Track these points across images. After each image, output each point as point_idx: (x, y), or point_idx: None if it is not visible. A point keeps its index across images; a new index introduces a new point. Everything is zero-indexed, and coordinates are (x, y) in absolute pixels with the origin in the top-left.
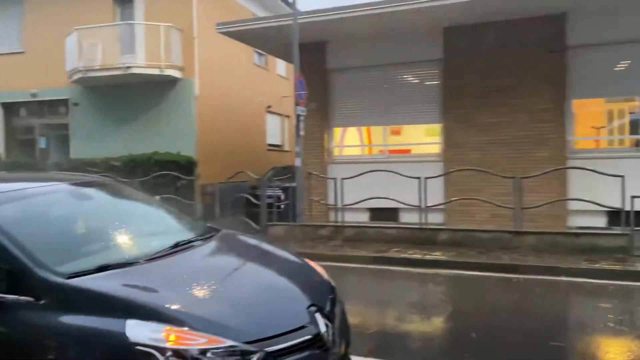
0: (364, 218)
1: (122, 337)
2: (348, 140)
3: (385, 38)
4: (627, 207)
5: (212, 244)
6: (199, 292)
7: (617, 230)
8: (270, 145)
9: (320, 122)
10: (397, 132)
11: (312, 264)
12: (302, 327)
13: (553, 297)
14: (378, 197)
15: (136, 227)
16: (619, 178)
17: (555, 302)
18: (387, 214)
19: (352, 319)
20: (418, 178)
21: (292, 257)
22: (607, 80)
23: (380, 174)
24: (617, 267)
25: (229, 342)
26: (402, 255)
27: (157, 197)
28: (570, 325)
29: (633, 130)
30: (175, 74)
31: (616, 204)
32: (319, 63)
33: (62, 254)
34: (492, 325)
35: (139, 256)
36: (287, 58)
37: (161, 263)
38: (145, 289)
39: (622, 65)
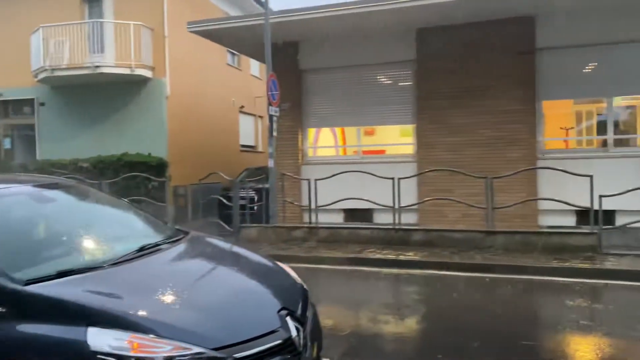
0: (338, 219)
1: (83, 346)
2: (322, 141)
3: (359, 39)
4: (596, 207)
5: (180, 247)
6: (166, 298)
7: (586, 229)
8: (243, 146)
9: (294, 123)
10: (371, 133)
11: (284, 266)
12: (273, 332)
13: (524, 296)
14: (352, 198)
15: (101, 230)
16: (588, 178)
17: (527, 301)
18: (362, 214)
19: (326, 321)
20: (392, 179)
21: (263, 260)
22: (576, 82)
23: (355, 174)
24: (586, 266)
25: (196, 349)
26: (376, 256)
27: (125, 200)
28: (542, 324)
29: (601, 131)
30: (146, 73)
31: (585, 203)
32: (292, 63)
33: (20, 259)
34: (464, 325)
35: (102, 261)
36: (260, 58)
37: (126, 267)
38: (108, 295)
39: (590, 68)
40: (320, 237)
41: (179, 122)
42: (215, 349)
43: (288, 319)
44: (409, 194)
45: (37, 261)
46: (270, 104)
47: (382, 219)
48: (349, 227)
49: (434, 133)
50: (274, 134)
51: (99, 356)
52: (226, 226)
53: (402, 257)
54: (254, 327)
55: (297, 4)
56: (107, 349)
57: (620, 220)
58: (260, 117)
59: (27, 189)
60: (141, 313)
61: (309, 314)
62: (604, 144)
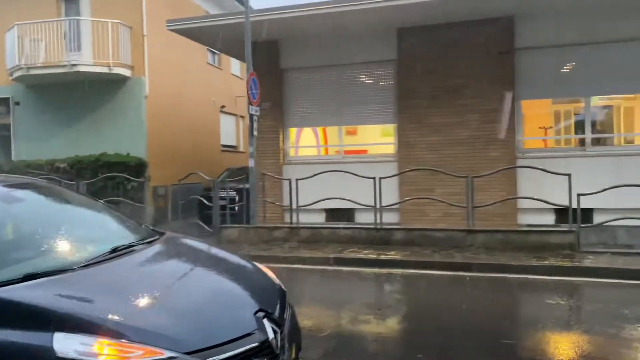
0: (320, 219)
1: (48, 352)
2: (304, 141)
3: (340, 38)
4: (574, 205)
5: (154, 248)
6: (137, 300)
7: (564, 227)
8: (224, 146)
9: (275, 122)
10: (353, 133)
11: (261, 267)
12: (249, 334)
13: (504, 295)
14: (333, 197)
15: (72, 231)
16: (566, 177)
17: (507, 299)
18: (343, 214)
19: (306, 322)
20: (373, 178)
21: (240, 261)
22: (554, 82)
23: (336, 174)
24: (565, 264)
25: (168, 354)
26: (358, 256)
27: (101, 201)
28: (521, 322)
29: (579, 131)
30: (124, 72)
31: (564, 202)
32: (273, 62)
33: None
34: (444, 324)
35: (72, 263)
36: (241, 57)
37: (97, 270)
38: (76, 298)
39: (568, 68)
40: (302, 237)
41: (158, 121)
42: (189, 353)
43: (265, 320)
44: (391, 194)
45: (2, 264)
46: (250, 103)
47: (364, 218)
48: (330, 227)
49: (415, 132)
50: (255, 133)
51: None
52: (206, 227)
53: (383, 257)
54: (229, 329)
55: (278, 3)
56: (73, 355)
57: (597, 219)
58: (242, 116)
59: None
60: (111, 317)
61: (286, 315)
62: (582, 143)
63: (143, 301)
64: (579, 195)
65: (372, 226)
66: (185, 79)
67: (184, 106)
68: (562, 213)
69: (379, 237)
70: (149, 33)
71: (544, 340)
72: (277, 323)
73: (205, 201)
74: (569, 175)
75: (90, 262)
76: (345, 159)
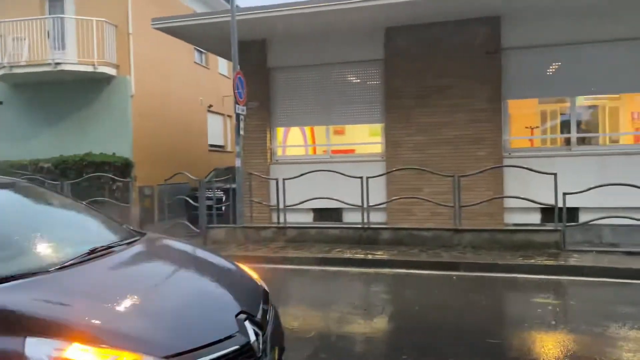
0: (307, 219)
1: (20, 357)
2: (291, 140)
3: (328, 37)
4: (560, 204)
5: (134, 249)
6: (115, 303)
7: (550, 226)
8: (212, 145)
9: (262, 122)
10: (341, 132)
11: (244, 268)
12: (230, 337)
13: (491, 294)
14: (320, 197)
15: (49, 232)
16: (552, 176)
17: (493, 298)
18: (331, 214)
19: (292, 323)
20: (360, 178)
21: (222, 262)
22: (540, 81)
23: (324, 174)
24: (551, 262)
25: (146, 358)
26: (345, 256)
27: (83, 202)
28: (508, 322)
29: (564, 130)
30: (110, 71)
31: (550, 201)
32: (260, 61)
33: None
34: (431, 324)
35: (48, 265)
36: (228, 56)
37: (73, 271)
38: (50, 301)
39: (554, 68)
40: (289, 237)
41: (144, 121)
42: (167, 357)
43: (247, 323)
44: (378, 193)
45: None
46: (237, 102)
47: (352, 218)
48: (317, 227)
49: (402, 132)
50: (241, 133)
51: None
52: (193, 227)
53: (370, 257)
54: (210, 332)
55: (266, 1)
56: None
57: (583, 218)
58: (229, 116)
59: None
60: (86, 321)
61: (269, 317)
62: (568, 142)
63: (120, 304)
64: (564, 194)
65: (360, 226)
66: (172, 78)
67: (170, 106)
68: (548, 212)
69: (367, 237)
70: (135, 32)
71: (530, 340)
72: (260, 325)
73: (191, 201)
74: (555, 174)
75: (67, 263)
76: (333, 158)
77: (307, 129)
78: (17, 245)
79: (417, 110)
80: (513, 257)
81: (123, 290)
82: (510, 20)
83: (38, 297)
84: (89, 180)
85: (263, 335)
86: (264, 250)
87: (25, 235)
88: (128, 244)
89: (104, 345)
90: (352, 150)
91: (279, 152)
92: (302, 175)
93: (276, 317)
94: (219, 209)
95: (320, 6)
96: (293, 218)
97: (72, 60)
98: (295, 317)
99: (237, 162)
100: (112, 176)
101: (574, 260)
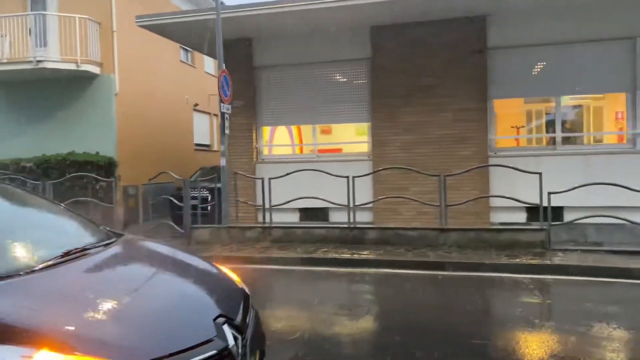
0: (294, 218)
1: None
2: (278, 140)
3: (314, 36)
4: (545, 203)
5: (110, 251)
6: (87, 308)
7: (535, 225)
8: (198, 145)
9: (248, 121)
10: (328, 132)
11: (224, 270)
12: (208, 341)
13: (476, 294)
14: (306, 197)
15: (21, 234)
16: (537, 175)
17: (478, 298)
18: (317, 213)
19: (275, 324)
20: (346, 177)
21: (201, 264)
22: (526, 81)
23: (310, 173)
24: (536, 262)
25: None
26: (331, 256)
27: (64, 202)
28: (493, 322)
29: (549, 130)
30: (93, 69)
31: (535, 200)
32: (246, 60)
33: None
34: (416, 324)
35: (18, 268)
36: (213, 54)
37: (44, 275)
38: (18, 306)
39: (539, 67)
40: (275, 237)
41: (129, 120)
42: None
43: (225, 326)
44: (365, 193)
45: None
46: (222, 101)
47: (338, 217)
48: (303, 227)
49: (389, 131)
50: (227, 132)
51: None
52: (177, 227)
53: (356, 256)
54: (186, 337)
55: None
56: None
57: (568, 217)
58: (215, 115)
59: None
60: (56, 326)
61: (249, 320)
62: (553, 142)
63: (94, 308)
64: (549, 193)
65: (346, 225)
66: (158, 77)
67: (156, 104)
68: (533, 211)
69: (353, 237)
70: (119, 29)
71: (515, 340)
72: (239, 329)
73: (175, 201)
74: (540, 173)
75: (39, 266)
76: (319, 157)
77: (294, 128)
78: None
79: (404, 109)
80: (499, 256)
81: (97, 294)
82: (496, 20)
83: (5, 302)
84: (71, 180)
85: (242, 339)
86: (249, 251)
87: None
88: (104, 245)
89: (76, 353)
90: (339, 150)
91: (265, 151)
92: (288, 174)
93: (257, 320)
94: (204, 208)
95: (305, 4)
96: (279, 218)
97: (54, 57)
98: (279, 319)
99: (222, 162)
100: (95, 176)
101: (559, 260)
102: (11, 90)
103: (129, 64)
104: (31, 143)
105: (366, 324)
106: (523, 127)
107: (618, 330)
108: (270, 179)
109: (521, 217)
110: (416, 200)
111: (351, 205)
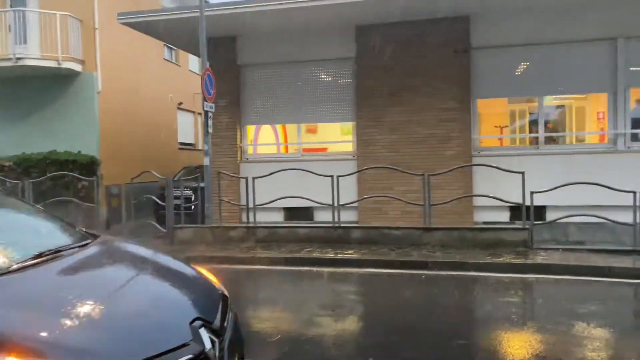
0: (278, 218)
1: None
2: (263, 139)
3: (299, 34)
4: (528, 202)
5: (85, 253)
6: (59, 312)
7: (518, 224)
8: (182, 144)
9: (233, 120)
10: (313, 131)
11: (203, 271)
12: (184, 345)
13: (459, 293)
14: (290, 196)
15: None
16: (520, 174)
17: (461, 297)
18: (302, 213)
19: (257, 325)
20: (331, 176)
21: (178, 266)
22: (509, 81)
23: (295, 172)
24: (519, 261)
25: None
26: (315, 255)
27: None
28: (476, 321)
29: (532, 129)
30: (75, 67)
31: (518, 199)
32: (230, 58)
33: None
34: (399, 324)
35: None
36: (197, 53)
37: (14, 278)
38: None
39: (522, 67)
40: (259, 236)
41: (112, 118)
42: None
43: (202, 330)
44: (349, 192)
45: None
46: (205, 99)
47: (323, 217)
48: (288, 226)
49: (373, 130)
50: (210, 130)
51: None
52: (160, 227)
53: (340, 256)
54: (161, 341)
55: None
56: None
57: (550, 216)
58: (200, 114)
59: None
60: (25, 332)
61: (227, 323)
62: (536, 141)
63: (64, 312)
64: (532, 192)
65: (331, 225)
66: (141, 75)
67: (139, 103)
68: (516, 210)
69: (337, 236)
70: (102, 27)
71: (498, 339)
72: (217, 332)
73: (158, 201)
74: (523, 173)
75: (10, 269)
76: (304, 157)
77: (278, 127)
78: None
79: (388, 108)
80: (482, 255)
81: (68, 297)
82: (479, 20)
83: None
84: (53, 180)
85: (220, 343)
86: (233, 251)
87: None
88: (79, 247)
89: (44, 358)
90: (324, 149)
91: (250, 150)
92: (272, 173)
93: (236, 323)
94: (188, 208)
95: (290, 3)
96: (263, 217)
97: (34, 55)
98: (261, 320)
99: (206, 161)
100: (77, 175)
101: (541, 259)
102: None
103: (112, 62)
104: (11, 141)
105: (348, 324)
106: (506, 126)
107: (599, 329)
108: (254, 178)
109: (504, 216)
110: (401, 200)
111: (336, 204)
